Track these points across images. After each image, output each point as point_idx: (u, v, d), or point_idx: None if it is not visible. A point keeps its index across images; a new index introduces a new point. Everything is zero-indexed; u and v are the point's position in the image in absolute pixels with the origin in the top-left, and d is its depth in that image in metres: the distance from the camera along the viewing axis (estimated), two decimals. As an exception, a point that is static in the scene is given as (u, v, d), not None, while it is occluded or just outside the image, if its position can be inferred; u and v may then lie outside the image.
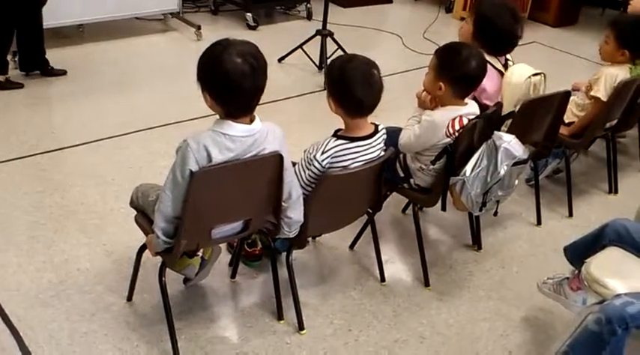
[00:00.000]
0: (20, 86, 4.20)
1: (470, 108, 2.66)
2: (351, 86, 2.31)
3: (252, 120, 2.13)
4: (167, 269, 2.37)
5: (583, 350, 2.13)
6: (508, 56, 3.11)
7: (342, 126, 2.45)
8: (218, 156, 2.05)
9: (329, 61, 4.55)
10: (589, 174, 3.96)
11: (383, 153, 2.47)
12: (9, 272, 2.68)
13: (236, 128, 2.08)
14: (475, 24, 3.01)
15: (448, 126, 2.59)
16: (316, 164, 2.34)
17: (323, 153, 2.33)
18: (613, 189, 3.77)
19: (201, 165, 2.04)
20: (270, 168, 2.21)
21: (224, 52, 2.00)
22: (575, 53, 5.87)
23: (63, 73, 4.42)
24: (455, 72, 2.59)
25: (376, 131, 2.44)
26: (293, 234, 2.39)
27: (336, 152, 2.34)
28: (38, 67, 4.34)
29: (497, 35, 2.97)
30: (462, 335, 2.63)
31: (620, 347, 2.08)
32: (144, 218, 2.39)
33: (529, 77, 3.00)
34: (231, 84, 2.01)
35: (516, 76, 3.00)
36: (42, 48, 4.31)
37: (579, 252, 2.56)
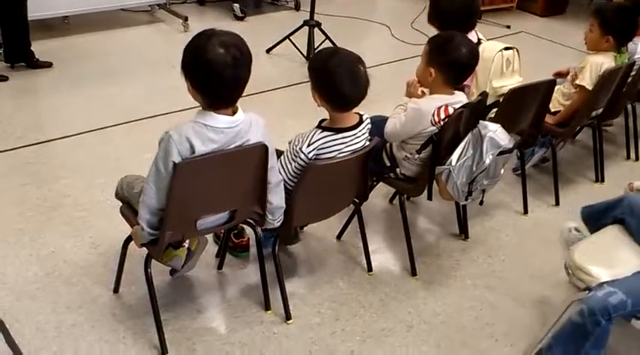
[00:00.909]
0: (5, 79, 4.17)
1: (456, 98, 2.67)
2: (337, 83, 2.30)
3: (234, 112, 2.12)
4: (153, 260, 2.36)
5: (567, 342, 2.15)
6: (481, 36, 3.18)
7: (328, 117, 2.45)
8: (201, 147, 2.04)
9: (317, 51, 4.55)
10: (576, 162, 3.97)
11: (368, 143, 2.47)
12: (-5, 265, 2.67)
13: (218, 119, 2.07)
14: (430, 8, 3.14)
15: (434, 115, 2.60)
16: (302, 156, 2.33)
17: (309, 145, 2.33)
18: (599, 177, 3.79)
19: (184, 157, 2.03)
20: (254, 158, 2.21)
21: (207, 41, 2.00)
22: (563, 43, 5.88)
23: (49, 64, 4.39)
24: (445, 57, 2.61)
25: (361, 121, 2.44)
26: (277, 222, 2.39)
27: (322, 144, 2.34)
28: (23, 58, 4.31)
29: (448, 15, 3.03)
30: (449, 323, 2.64)
31: (605, 337, 2.09)
32: (129, 209, 2.39)
33: (500, 51, 3.08)
34: (212, 73, 2.00)
35: (487, 51, 3.08)
36: (27, 39, 4.28)
37: (593, 215, 2.62)
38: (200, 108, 2.12)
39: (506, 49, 3.12)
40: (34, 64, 4.34)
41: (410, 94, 2.74)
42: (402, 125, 2.65)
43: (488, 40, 3.27)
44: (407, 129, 2.65)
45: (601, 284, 2.12)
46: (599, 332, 2.05)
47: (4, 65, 4.28)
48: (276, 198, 2.34)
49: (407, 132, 2.67)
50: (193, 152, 2.03)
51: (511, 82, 3.11)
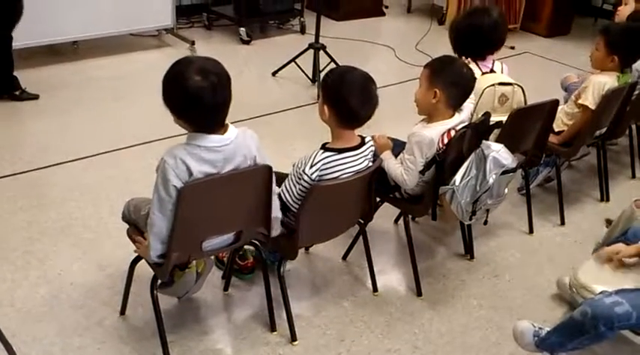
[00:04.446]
0: (36, 97, 4.25)
1: (457, 119, 2.67)
2: (348, 96, 2.33)
3: (225, 131, 2.14)
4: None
5: (563, 332, 2.20)
6: (497, 65, 3.15)
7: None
8: (197, 168, 2.07)
9: (322, 73, 4.59)
10: (581, 182, 3.98)
11: (371, 164, 2.49)
12: (3, 287, 2.69)
13: (209, 139, 2.10)
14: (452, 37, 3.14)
15: (438, 142, 2.62)
16: (306, 178, 2.35)
17: (312, 166, 2.35)
18: (605, 196, 3.79)
19: (182, 180, 2.05)
20: (259, 179, 2.23)
21: (184, 70, 2.02)
22: (567, 63, 5.89)
23: (35, 97, 4.31)
24: (449, 76, 2.63)
25: (363, 143, 2.47)
26: (274, 232, 2.40)
27: (325, 164, 2.35)
28: (6, 91, 4.23)
29: (473, 41, 3.06)
30: (455, 344, 2.64)
31: (601, 340, 2.11)
32: (136, 231, 2.41)
33: (493, 85, 3.01)
34: (192, 101, 2.02)
35: (479, 84, 2.98)
36: (11, 74, 4.20)
37: None
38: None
39: (504, 83, 3.04)
40: (18, 97, 4.25)
41: (382, 147, 2.76)
42: (414, 165, 2.63)
43: (498, 60, 3.25)
44: (419, 165, 2.64)
45: (609, 293, 2.12)
46: (595, 335, 2.07)
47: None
48: (272, 210, 2.35)
49: (420, 166, 2.65)
50: (191, 173, 2.06)
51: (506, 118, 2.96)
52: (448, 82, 2.62)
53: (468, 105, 2.76)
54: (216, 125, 2.12)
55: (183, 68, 2.03)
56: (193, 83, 2.00)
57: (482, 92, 2.96)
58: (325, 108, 2.38)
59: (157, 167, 2.09)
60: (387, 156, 2.73)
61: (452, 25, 3.25)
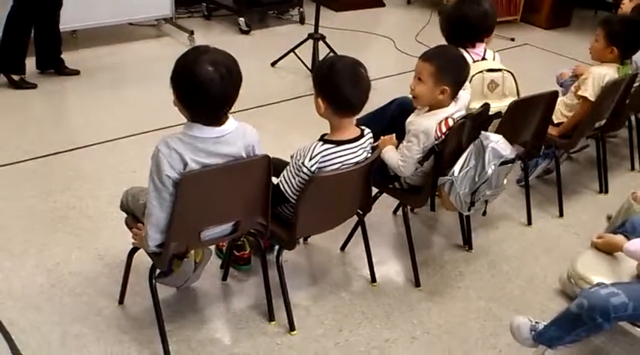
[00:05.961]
0: (34, 86, 4.29)
1: (455, 107, 2.68)
2: (340, 84, 2.33)
3: (223, 123, 2.13)
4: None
5: (561, 325, 2.21)
6: (489, 53, 3.14)
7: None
8: (192, 158, 2.07)
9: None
10: (580, 174, 3.98)
11: (370, 155, 2.49)
12: (1, 276, 2.69)
13: (206, 130, 2.10)
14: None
15: (436, 130, 2.62)
16: (305, 170, 2.34)
17: (311, 159, 2.33)
18: (603, 188, 3.79)
19: (176, 169, 2.05)
20: (257, 170, 2.23)
21: (198, 57, 2.02)
22: (567, 55, 5.88)
23: (76, 72, 4.56)
24: (456, 71, 2.63)
25: (362, 135, 2.46)
26: None
27: (324, 156, 2.34)
28: (53, 66, 4.48)
29: (464, 30, 3.05)
30: (453, 334, 2.64)
31: (599, 331, 2.11)
32: (134, 221, 2.41)
33: (481, 72, 3.00)
34: (197, 89, 2.01)
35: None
36: (59, 49, 4.47)
37: None
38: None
39: (493, 70, 3.04)
40: (63, 71, 4.50)
41: (386, 142, 2.75)
42: (410, 151, 2.64)
43: (495, 52, 3.25)
44: (415, 152, 2.64)
45: (605, 285, 2.12)
46: (593, 326, 2.08)
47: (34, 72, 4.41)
48: None
49: (417, 156, 2.65)
50: (185, 163, 2.06)
51: (499, 105, 2.96)
52: (456, 78, 2.63)
53: (464, 95, 2.75)
54: (214, 119, 2.11)
55: (197, 55, 2.02)
56: (202, 71, 1.99)
57: (471, 79, 2.94)
58: (320, 101, 2.37)
59: (152, 155, 2.08)
60: (388, 149, 2.73)
61: (443, 14, 3.25)
